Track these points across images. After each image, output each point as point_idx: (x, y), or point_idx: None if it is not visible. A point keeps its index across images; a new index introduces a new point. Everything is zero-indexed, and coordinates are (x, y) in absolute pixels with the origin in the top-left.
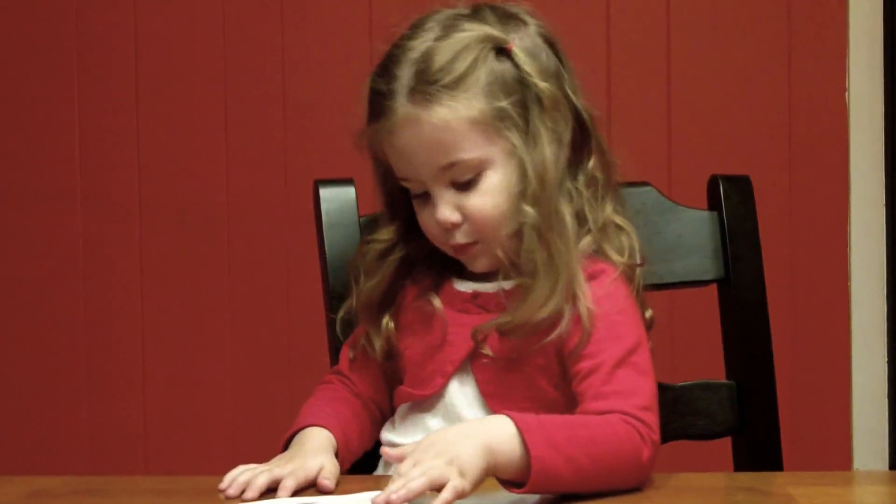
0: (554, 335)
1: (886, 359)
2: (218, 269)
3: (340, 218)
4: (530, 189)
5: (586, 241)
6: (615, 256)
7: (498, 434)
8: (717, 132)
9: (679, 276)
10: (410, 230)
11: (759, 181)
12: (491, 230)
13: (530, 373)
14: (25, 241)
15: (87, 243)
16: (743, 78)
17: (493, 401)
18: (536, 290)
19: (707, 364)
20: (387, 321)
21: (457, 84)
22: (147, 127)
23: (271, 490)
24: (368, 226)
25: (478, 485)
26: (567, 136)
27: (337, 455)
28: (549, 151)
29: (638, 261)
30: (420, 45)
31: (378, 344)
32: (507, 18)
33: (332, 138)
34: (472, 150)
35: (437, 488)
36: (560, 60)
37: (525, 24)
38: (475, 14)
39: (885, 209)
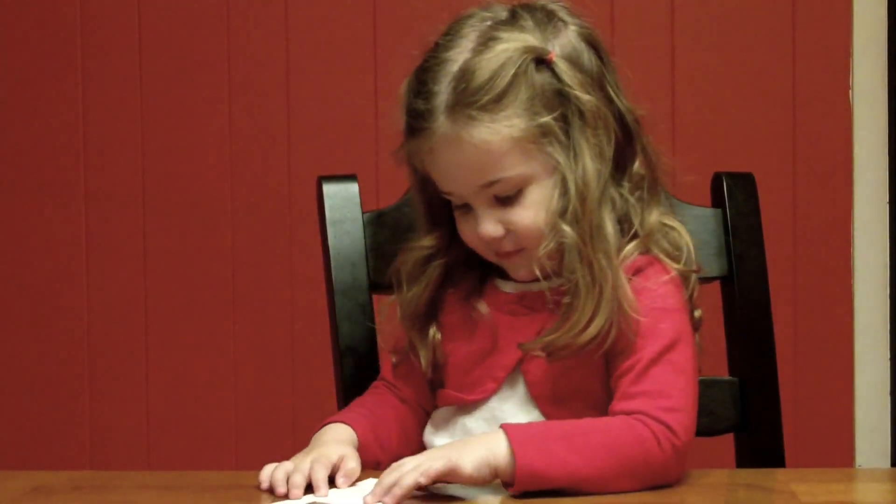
0: (601, 352)
1: (889, 356)
2: (221, 265)
3: (344, 214)
4: (571, 207)
5: (630, 248)
6: (669, 263)
7: (495, 442)
8: (721, 130)
9: None
10: (452, 236)
11: (762, 178)
12: (534, 241)
13: (582, 375)
14: (29, 237)
15: (90, 239)
16: (747, 75)
17: (544, 403)
18: (579, 309)
19: (710, 361)
20: (433, 332)
21: (497, 103)
22: (151, 123)
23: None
24: (372, 222)
25: (480, 479)
26: (610, 149)
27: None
28: (592, 166)
29: (693, 266)
30: (457, 56)
31: (424, 355)
32: (547, 21)
33: (336, 134)
34: (513, 167)
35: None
36: (602, 61)
37: (565, 24)
38: (513, 19)
39: (888, 207)
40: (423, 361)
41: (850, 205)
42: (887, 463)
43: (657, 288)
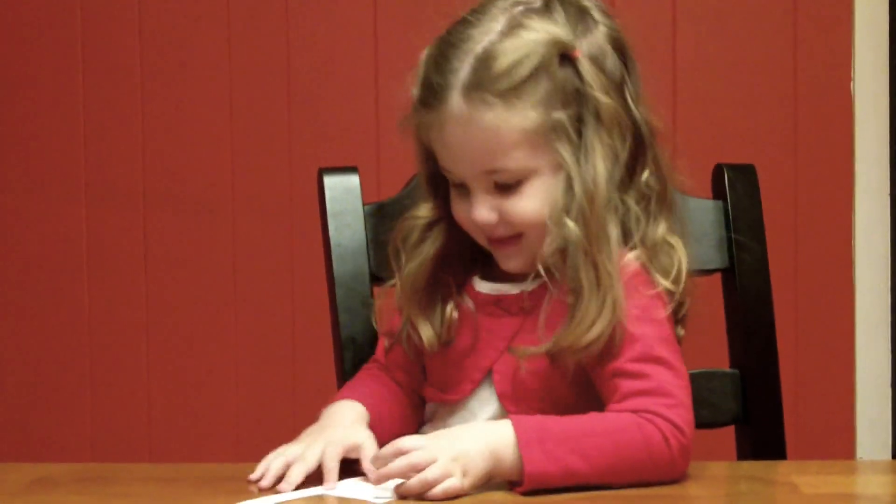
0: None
1: (890, 348)
2: (222, 258)
3: (344, 206)
4: (576, 205)
5: (630, 258)
6: (661, 280)
7: (502, 442)
8: (723, 121)
9: None
10: (450, 212)
11: (763, 170)
12: (531, 229)
13: (548, 376)
14: (30, 232)
15: (91, 233)
16: (748, 67)
17: (508, 401)
18: (582, 310)
19: (711, 353)
20: (450, 309)
21: (515, 91)
22: (151, 117)
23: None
24: (373, 214)
25: (478, 485)
26: (624, 153)
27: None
28: (602, 168)
29: (679, 288)
30: (483, 37)
31: (425, 330)
32: (578, 17)
33: (337, 127)
34: (519, 158)
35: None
36: (626, 68)
37: (595, 23)
38: (546, 10)
39: (889, 199)
40: (424, 336)
41: (852, 196)
42: (888, 455)
43: (644, 299)
